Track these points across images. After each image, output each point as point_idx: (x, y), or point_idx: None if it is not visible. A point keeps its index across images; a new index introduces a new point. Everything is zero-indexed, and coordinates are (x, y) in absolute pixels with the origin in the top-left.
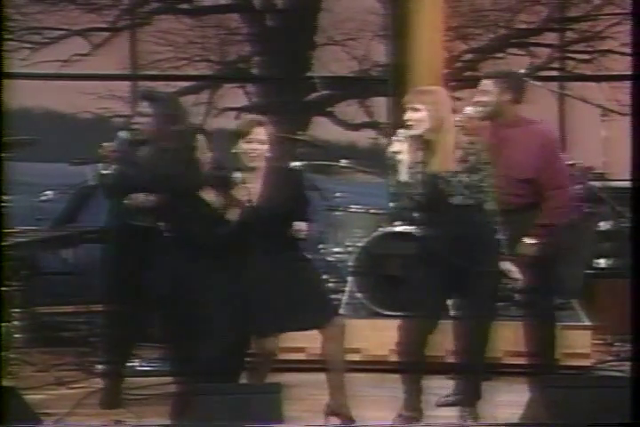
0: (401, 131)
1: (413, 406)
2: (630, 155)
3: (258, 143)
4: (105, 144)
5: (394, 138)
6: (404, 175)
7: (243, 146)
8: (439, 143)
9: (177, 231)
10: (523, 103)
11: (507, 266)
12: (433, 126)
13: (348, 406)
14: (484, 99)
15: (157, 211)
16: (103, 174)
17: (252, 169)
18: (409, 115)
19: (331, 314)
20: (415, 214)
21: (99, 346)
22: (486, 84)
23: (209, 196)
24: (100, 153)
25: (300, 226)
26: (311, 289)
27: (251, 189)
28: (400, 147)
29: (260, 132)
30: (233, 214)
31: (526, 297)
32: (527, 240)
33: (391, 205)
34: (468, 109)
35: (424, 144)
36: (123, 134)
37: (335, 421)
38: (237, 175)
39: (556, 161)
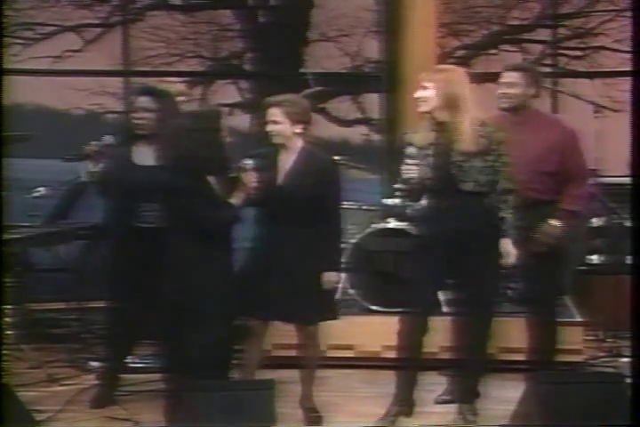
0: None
1: (405, 400)
2: (630, 151)
3: (272, 124)
4: (92, 142)
5: None
6: (414, 158)
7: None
8: (453, 123)
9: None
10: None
11: (507, 247)
12: (441, 104)
13: (312, 400)
14: (512, 91)
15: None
16: (91, 172)
17: (281, 148)
18: (418, 93)
19: (312, 317)
20: (421, 199)
21: (97, 343)
22: (513, 76)
23: (217, 181)
24: (85, 150)
25: (331, 277)
26: (306, 284)
27: (280, 167)
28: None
29: (275, 113)
30: (238, 199)
31: (529, 293)
32: (553, 222)
33: (397, 186)
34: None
35: (438, 125)
36: (108, 138)
37: (304, 415)
38: (249, 162)
39: (576, 153)
